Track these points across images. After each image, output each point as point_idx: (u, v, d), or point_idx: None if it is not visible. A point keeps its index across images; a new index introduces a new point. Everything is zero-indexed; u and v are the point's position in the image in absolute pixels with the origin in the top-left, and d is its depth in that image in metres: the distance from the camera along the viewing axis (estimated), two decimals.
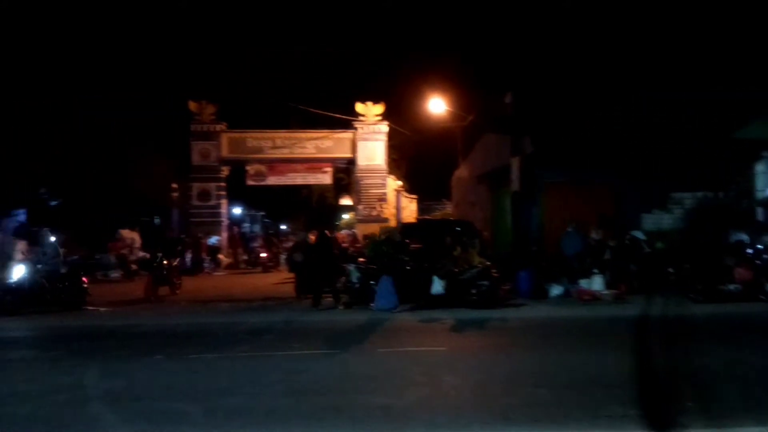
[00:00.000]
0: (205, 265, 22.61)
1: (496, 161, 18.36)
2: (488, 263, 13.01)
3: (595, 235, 14.60)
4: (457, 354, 8.31)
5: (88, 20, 22.75)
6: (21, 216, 25.96)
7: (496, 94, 17.69)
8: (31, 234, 21.03)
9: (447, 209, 26.22)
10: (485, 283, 12.34)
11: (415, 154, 29.21)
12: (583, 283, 13.40)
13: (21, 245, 18.94)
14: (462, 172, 24.64)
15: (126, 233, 21.31)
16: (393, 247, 14.18)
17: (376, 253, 14.20)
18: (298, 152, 26.61)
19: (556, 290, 13.52)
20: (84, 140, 23.03)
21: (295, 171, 27.36)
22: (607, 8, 16.18)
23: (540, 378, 6.65)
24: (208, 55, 25.89)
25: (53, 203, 21.94)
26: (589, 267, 13.70)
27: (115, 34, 23.50)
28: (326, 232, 14.60)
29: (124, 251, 20.65)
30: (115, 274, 19.77)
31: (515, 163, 16.16)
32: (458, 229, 15.85)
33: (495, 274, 12.76)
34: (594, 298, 12.94)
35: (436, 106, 22.65)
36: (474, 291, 12.25)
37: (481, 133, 20.91)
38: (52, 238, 21.04)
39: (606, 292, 13.09)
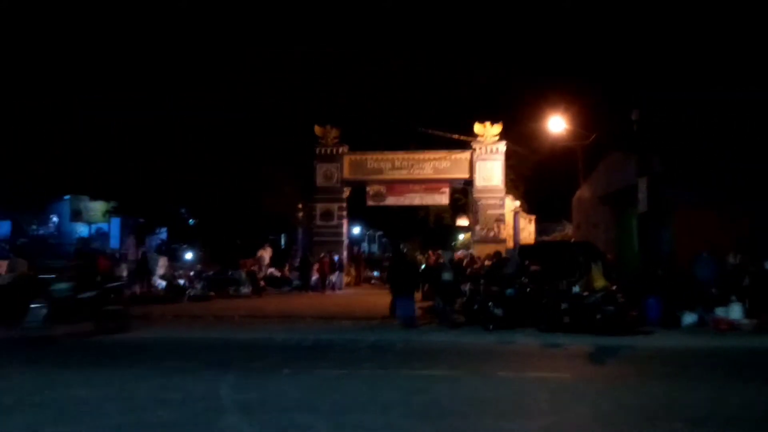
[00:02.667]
0: (329, 282, 23.34)
1: (621, 181, 17.58)
2: (614, 287, 12.46)
3: (732, 259, 13.55)
4: (582, 382, 8.02)
5: (225, 53, 24.59)
6: (163, 234, 28.42)
7: (621, 110, 16.99)
8: (171, 251, 23.06)
9: (567, 231, 25.33)
10: (611, 308, 11.83)
11: (534, 174, 28.57)
12: (720, 311, 12.48)
13: (163, 261, 20.85)
14: (584, 192, 23.77)
15: (260, 252, 22.59)
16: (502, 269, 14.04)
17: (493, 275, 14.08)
18: (416, 173, 26.95)
19: (689, 318, 12.68)
20: (219, 163, 24.77)
21: (413, 191, 27.69)
22: (744, 16, 15.10)
23: (675, 411, 6.28)
24: (331, 79, 27.02)
25: (192, 222, 23.77)
26: (727, 294, 12.72)
27: (251, 64, 25.16)
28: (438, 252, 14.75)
29: (254, 268, 21.87)
30: (245, 290, 20.94)
31: (642, 183, 15.38)
32: (580, 251, 15.30)
33: (621, 299, 12.19)
34: (732, 327, 12.03)
35: (556, 124, 22.09)
36: (599, 316, 11.77)
37: (605, 152, 20.12)
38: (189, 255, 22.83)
39: (745, 321, 12.13)
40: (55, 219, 29.89)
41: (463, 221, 31.69)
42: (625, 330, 11.63)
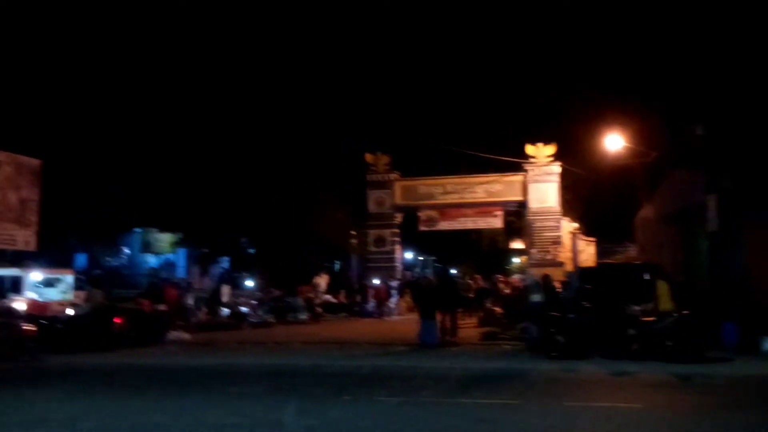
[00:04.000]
0: (386, 309, 23.21)
1: (687, 199, 16.90)
2: (685, 312, 11.90)
3: None
4: (655, 412, 7.64)
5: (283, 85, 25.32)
6: (225, 263, 29.52)
7: (685, 125, 16.39)
8: (233, 279, 23.72)
9: (630, 252, 24.49)
10: (682, 333, 11.28)
11: (592, 195, 27.89)
12: None
13: (225, 289, 21.33)
14: (647, 212, 22.95)
15: (316, 279, 22.82)
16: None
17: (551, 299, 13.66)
18: (469, 197, 26.79)
19: None
20: (275, 193, 25.38)
21: (466, 215, 27.50)
22: None
23: None
24: (381, 107, 27.35)
25: (251, 251, 24.43)
26: None
27: (302, 95, 25.80)
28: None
29: (311, 295, 22.06)
30: (303, 316, 21.12)
31: (711, 201, 14.73)
32: (645, 273, 14.72)
33: (693, 324, 11.62)
34: None
35: (614, 142, 21.43)
36: (670, 342, 11.24)
37: (668, 169, 19.43)
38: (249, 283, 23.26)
39: None
40: (126, 251, 31.31)
41: (517, 244, 31.19)
42: (698, 357, 11.05)
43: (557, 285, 16.45)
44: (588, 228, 27.43)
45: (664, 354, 11.12)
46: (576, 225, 26.47)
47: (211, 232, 25.47)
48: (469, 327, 17.36)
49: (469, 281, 22.77)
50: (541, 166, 25.61)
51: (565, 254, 25.30)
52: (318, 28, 27.23)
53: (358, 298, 23.71)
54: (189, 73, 24.88)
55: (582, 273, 16.76)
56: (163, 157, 24.41)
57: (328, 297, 23.56)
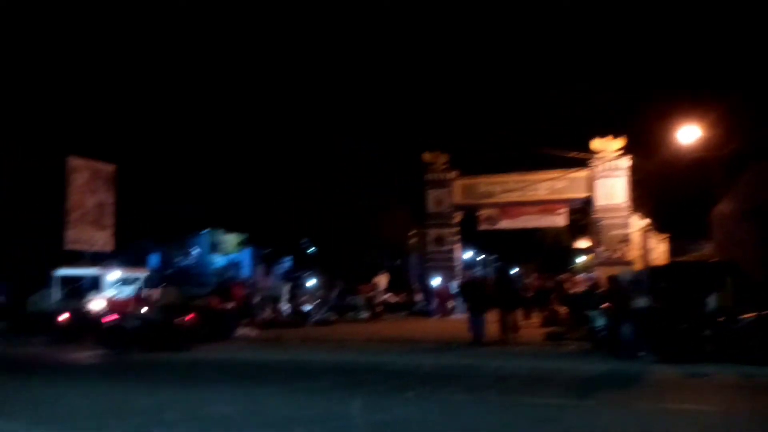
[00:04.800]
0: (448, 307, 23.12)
1: None
2: (764, 312, 11.33)
3: None
4: (733, 416, 7.34)
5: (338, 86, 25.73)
6: (287, 263, 30.34)
7: (765, 115, 15.56)
8: (295, 278, 24.34)
9: (706, 250, 23.42)
10: (761, 334, 10.75)
11: (664, 190, 26.84)
12: None
13: (288, 287, 21.86)
14: (724, 207, 21.90)
15: (376, 278, 23.05)
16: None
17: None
18: (531, 195, 26.25)
19: None
20: (336, 194, 25.79)
21: (528, 214, 26.97)
22: None
23: None
24: (439, 105, 27.32)
25: (312, 251, 25.00)
26: None
27: (359, 96, 26.14)
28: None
29: (371, 294, 22.27)
30: (363, 315, 21.35)
31: None
32: (721, 272, 14.11)
33: None
34: None
35: (688, 134, 20.48)
36: (750, 344, 10.73)
37: (748, 162, 18.50)
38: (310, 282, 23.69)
39: None
40: (195, 251, 32.74)
41: (583, 242, 30.40)
42: None
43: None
44: (660, 225, 26.43)
45: (743, 356, 10.63)
46: (647, 221, 25.52)
47: (274, 233, 26.23)
48: (532, 327, 17.12)
49: (528, 280, 22.46)
50: (609, 160, 24.82)
51: (634, 252, 24.44)
52: (372, 28, 27.51)
53: (419, 297, 23.75)
54: (251, 76, 25.63)
55: (653, 272, 16.19)
56: (228, 161, 25.33)
57: (388, 296, 23.71)
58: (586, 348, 13.13)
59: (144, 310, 15.42)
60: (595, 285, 18.73)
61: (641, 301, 12.25)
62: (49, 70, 23.79)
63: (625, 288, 12.89)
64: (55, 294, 18.29)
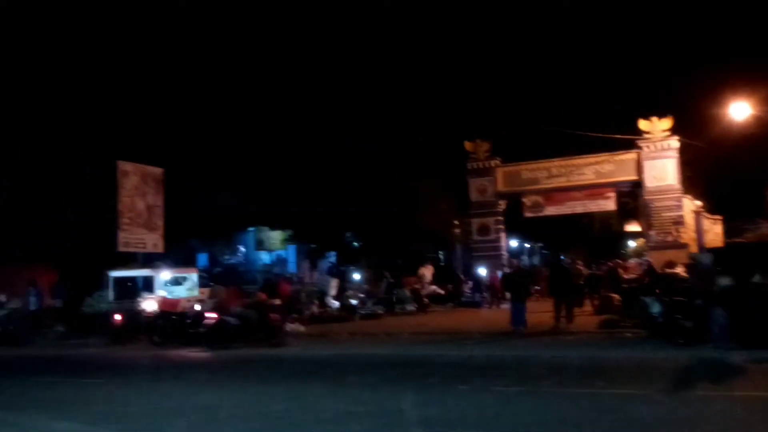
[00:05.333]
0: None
1: None
2: None
3: None
4: None
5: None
6: (332, 257, 30.64)
7: None
8: (341, 272, 24.51)
9: (763, 229, 22.47)
10: None
11: (716, 170, 25.85)
12: None
13: (334, 282, 21.95)
14: None
15: (421, 270, 22.94)
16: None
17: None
18: (576, 179, 25.65)
19: None
20: (378, 187, 25.79)
21: (575, 199, 26.36)
22: None
23: None
24: (479, 92, 26.96)
25: (357, 245, 25.13)
26: None
27: (399, 87, 26.03)
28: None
29: (417, 286, 22.16)
30: (410, 308, 21.28)
31: None
32: None
33: None
34: None
35: (740, 110, 19.59)
36: None
37: None
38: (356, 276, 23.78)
39: None
40: (242, 249, 33.41)
41: (633, 227, 29.58)
42: None
43: (681, 269, 15.50)
44: (713, 206, 25.49)
45: None
46: (699, 203, 24.64)
47: (319, 228, 26.51)
48: (584, 315, 16.77)
49: (579, 267, 21.94)
50: (657, 141, 24.00)
51: (688, 235, 23.63)
52: (408, 17, 27.31)
53: (465, 288, 23.55)
54: (294, 75, 25.83)
55: (730, 253, 15.47)
56: (271, 158, 25.62)
57: (434, 287, 23.56)
58: (642, 335, 12.78)
59: (195, 308, 15.68)
60: (649, 270, 18.23)
61: (724, 281, 11.65)
62: (97, 76, 24.50)
63: (709, 271, 12.37)
64: (109, 295, 18.82)
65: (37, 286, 20.25)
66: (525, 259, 36.91)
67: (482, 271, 23.98)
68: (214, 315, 14.14)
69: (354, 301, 20.09)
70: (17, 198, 23.39)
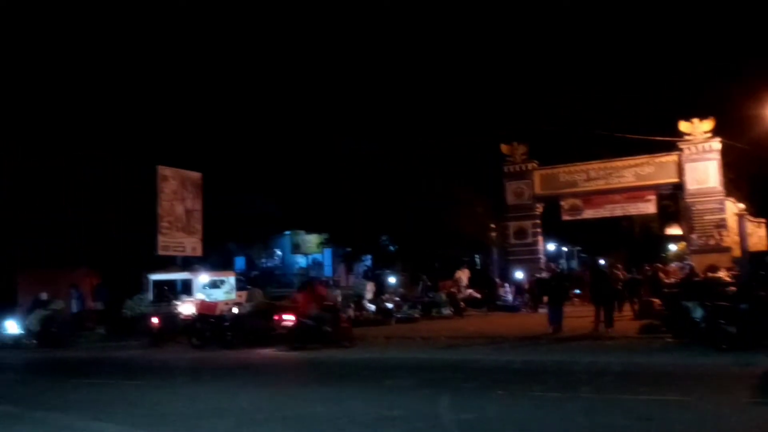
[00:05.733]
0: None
1: None
2: None
3: None
4: None
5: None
6: (368, 261, 30.75)
7: None
8: (376, 276, 24.59)
9: None
10: None
11: (760, 171, 25.10)
12: None
13: (370, 286, 22.02)
14: None
15: (458, 273, 22.84)
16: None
17: None
18: (615, 182, 25.26)
19: None
20: (413, 190, 25.75)
21: (614, 202, 25.96)
22: None
23: None
24: (515, 95, 26.70)
25: (392, 249, 25.15)
26: None
27: (432, 89, 25.97)
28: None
29: (453, 290, 22.06)
30: (446, 311, 21.18)
31: None
32: None
33: None
34: None
35: None
36: None
37: None
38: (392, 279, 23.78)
39: None
40: (279, 252, 33.82)
41: (674, 230, 28.92)
42: None
43: (725, 273, 15.10)
44: (756, 209, 24.74)
45: None
46: (742, 206, 23.96)
47: (354, 232, 26.63)
48: (624, 320, 16.46)
49: (617, 271, 21.51)
50: (699, 143, 23.49)
51: (730, 238, 23.00)
52: (444, 22, 27.24)
53: (502, 292, 23.36)
54: (328, 79, 26.02)
55: (754, 258, 15.21)
56: (306, 161, 25.83)
57: (471, 291, 23.40)
58: (684, 341, 12.46)
59: (233, 311, 15.90)
60: (691, 274, 17.77)
61: None
62: (139, 82, 25.11)
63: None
64: (149, 298, 19.24)
65: (79, 289, 20.81)
66: (563, 262, 36.41)
67: (519, 275, 23.73)
68: (292, 317, 14.45)
69: (390, 305, 20.07)
70: (61, 202, 24.14)
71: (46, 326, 17.89)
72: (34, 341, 17.89)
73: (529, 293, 22.21)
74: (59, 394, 9.87)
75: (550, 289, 16.32)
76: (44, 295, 19.31)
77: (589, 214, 26.34)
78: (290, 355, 13.62)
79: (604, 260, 30.45)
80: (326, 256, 32.19)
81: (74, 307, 20.05)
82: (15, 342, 18.20)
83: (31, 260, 23.29)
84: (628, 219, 30.19)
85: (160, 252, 21.62)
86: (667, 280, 18.73)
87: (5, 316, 19.12)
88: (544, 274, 20.03)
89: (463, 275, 24.18)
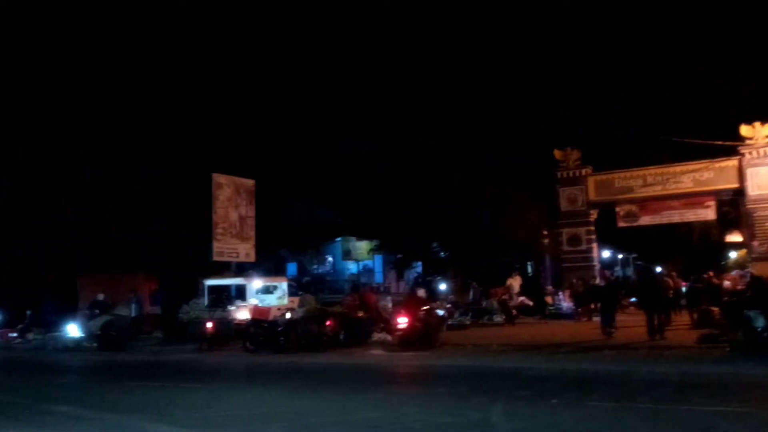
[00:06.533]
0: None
1: None
2: None
3: None
4: None
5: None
6: (418, 267, 30.78)
7: None
8: (427, 282, 24.58)
9: None
10: None
11: None
12: None
13: (421, 292, 21.97)
14: None
15: (509, 280, 22.61)
16: None
17: None
18: (673, 188, 24.57)
19: None
20: (464, 196, 25.65)
21: (671, 208, 25.24)
22: None
23: None
24: (568, 100, 26.31)
25: (443, 255, 25.10)
26: None
27: (493, 96, 25.84)
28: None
29: (505, 297, 21.82)
30: (498, 319, 20.97)
31: None
32: None
33: None
34: None
35: None
36: None
37: None
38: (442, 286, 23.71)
39: None
40: (330, 259, 34.26)
41: (734, 237, 27.86)
42: None
43: None
44: None
45: None
46: None
47: (405, 238, 26.71)
48: (682, 329, 15.97)
49: (667, 279, 20.88)
50: (760, 147, 22.65)
51: None
52: (496, 26, 27.11)
53: (556, 299, 22.98)
54: (384, 87, 26.24)
55: None
56: (358, 168, 26.10)
57: (523, 298, 23.11)
58: (744, 350, 12.02)
59: (286, 316, 16.16)
60: (752, 282, 17.09)
61: None
62: (189, 94, 25.95)
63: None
64: (204, 303, 19.73)
65: (137, 294, 21.50)
66: (618, 270, 35.51)
67: (574, 282, 23.29)
68: (405, 320, 15.17)
69: (440, 312, 19.99)
70: (120, 210, 25.14)
71: (106, 330, 18.51)
72: (94, 344, 18.55)
73: (574, 300, 21.78)
74: (119, 396, 10.17)
75: (602, 296, 16.21)
76: (101, 296, 20.07)
77: (645, 220, 25.72)
78: (339, 361, 13.73)
79: (661, 268, 29.65)
80: (377, 263, 32.34)
81: (133, 311, 20.65)
82: (76, 345, 18.93)
83: (92, 265, 24.32)
84: (687, 226, 29.25)
85: (215, 258, 22.16)
86: (726, 289, 18.15)
87: (67, 319, 19.95)
88: (599, 281, 19.65)
89: (515, 282, 23.91)
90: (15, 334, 21.01)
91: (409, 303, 16.07)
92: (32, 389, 11.43)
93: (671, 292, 19.13)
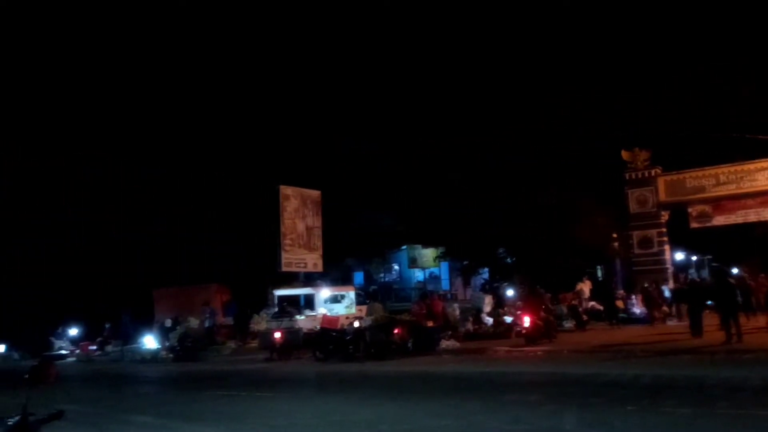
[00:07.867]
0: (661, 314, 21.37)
1: None
2: None
3: None
4: None
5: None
6: (485, 274, 30.52)
7: None
8: (494, 289, 24.39)
9: None
10: None
11: None
12: None
13: (488, 299, 21.87)
14: None
15: (579, 285, 22.19)
16: None
17: None
18: (748, 186, 23.58)
19: None
20: (531, 201, 25.35)
21: (747, 207, 24.19)
22: None
23: None
24: (637, 97, 25.66)
25: (510, 261, 24.86)
26: None
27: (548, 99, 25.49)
28: None
29: (575, 302, 21.41)
30: (568, 324, 20.57)
31: None
32: None
33: None
34: None
35: None
36: None
37: None
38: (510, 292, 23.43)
39: None
40: (396, 267, 34.51)
41: None
42: None
43: None
44: None
45: None
46: None
47: (471, 245, 26.62)
48: (763, 332, 15.29)
49: (730, 280, 19.93)
50: None
51: None
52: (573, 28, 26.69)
53: (628, 304, 22.35)
54: (436, 94, 26.35)
55: None
56: (423, 177, 26.24)
57: (593, 303, 22.58)
58: None
59: (354, 325, 16.42)
60: None
61: None
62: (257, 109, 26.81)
63: None
64: (273, 313, 20.24)
65: (211, 305, 22.30)
66: (692, 272, 34.12)
67: (646, 286, 22.60)
68: (528, 318, 16.59)
69: (508, 318, 19.82)
70: (194, 225, 26.18)
71: (182, 341, 19.28)
72: (171, 355, 19.32)
73: (654, 305, 21.07)
74: (195, 405, 10.53)
75: (688, 299, 16.55)
76: (169, 322, 20.91)
77: (719, 220, 24.77)
78: (408, 369, 13.82)
79: (737, 269, 28.33)
80: (443, 270, 32.30)
81: (207, 322, 21.36)
82: (153, 356, 19.79)
83: (166, 278, 25.41)
84: (763, 225, 27.93)
85: (284, 268, 22.73)
86: None
87: (143, 332, 20.91)
88: (672, 285, 19.08)
89: (585, 287, 23.41)
90: (94, 347, 22.16)
91: (529, 302, 17.52)
92: (113, 400, 11.98)
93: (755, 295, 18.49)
